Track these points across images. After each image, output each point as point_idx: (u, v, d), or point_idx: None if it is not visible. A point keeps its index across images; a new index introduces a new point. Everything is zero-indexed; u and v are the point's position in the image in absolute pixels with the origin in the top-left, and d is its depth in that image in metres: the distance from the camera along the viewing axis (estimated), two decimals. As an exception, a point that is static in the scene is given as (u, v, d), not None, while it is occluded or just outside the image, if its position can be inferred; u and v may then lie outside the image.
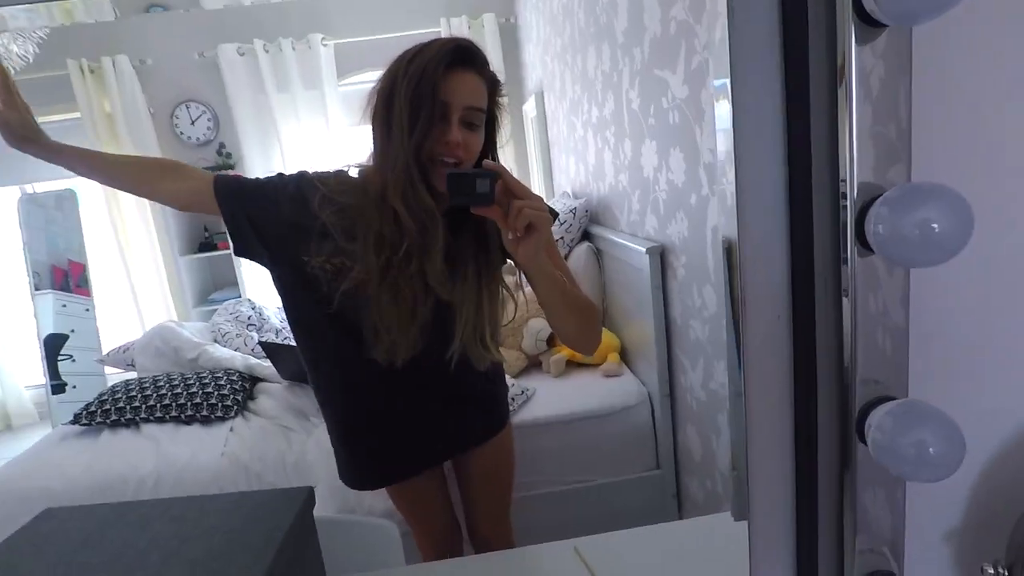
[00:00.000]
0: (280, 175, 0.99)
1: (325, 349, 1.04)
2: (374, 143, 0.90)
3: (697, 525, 1.00)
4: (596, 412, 1.73)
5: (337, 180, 0.95)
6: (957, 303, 0.37)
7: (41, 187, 3.76)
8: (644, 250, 1.52)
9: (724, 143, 0.36)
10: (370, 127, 0.90)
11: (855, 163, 0.32)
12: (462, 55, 0.86)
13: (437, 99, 0.84)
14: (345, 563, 0.89)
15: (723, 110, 0.35)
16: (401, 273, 0.89)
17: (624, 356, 1.99)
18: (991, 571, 0.40)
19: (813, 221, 0.36)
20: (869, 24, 0.30)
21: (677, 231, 1.41)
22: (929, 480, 0.31)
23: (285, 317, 2.59)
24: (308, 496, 0.81)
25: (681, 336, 1.48)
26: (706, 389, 1.37)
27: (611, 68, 1.75)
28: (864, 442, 0.34)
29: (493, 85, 0.92)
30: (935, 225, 0.28)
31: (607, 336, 1.99)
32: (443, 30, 3.66)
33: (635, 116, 1.59)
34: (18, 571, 0.69)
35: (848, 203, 0.32)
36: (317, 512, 0.85)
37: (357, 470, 1.15)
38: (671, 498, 1.70)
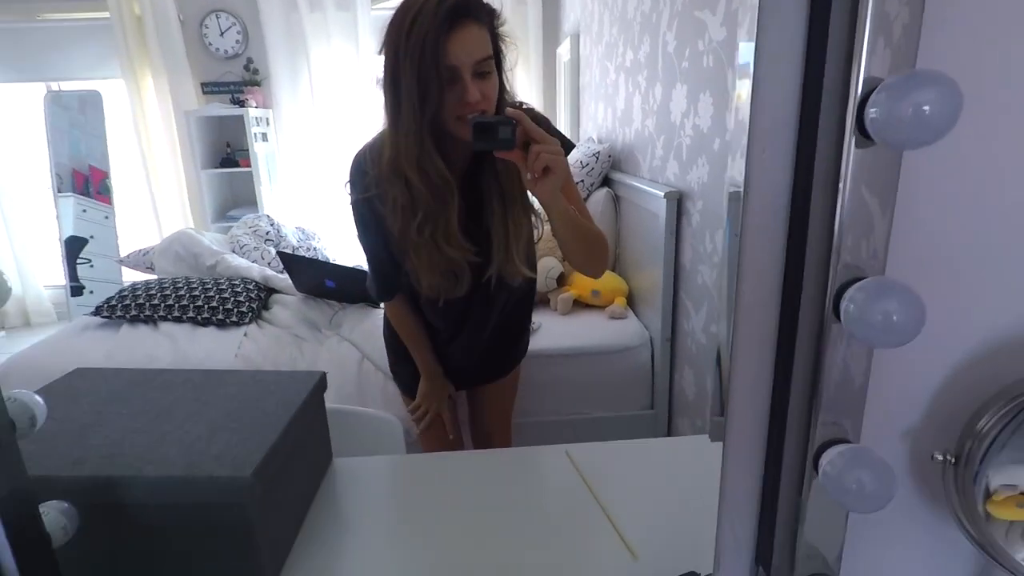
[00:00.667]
0: (351, 180, 1.04)
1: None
2: (385, 113, 0.93)
3: (679, 442, 1.05)
4: (597, 349, 1.78)
5: (380, 154, 0.97)
6: (944, 201, 0.39)
7: (67, 86, 3.78)
8: (662, 195, 1.54)
9: (746, 53, 0.39)
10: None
11: (864, 59, 0.34)
12: (458, 11, 0.85)
13: (445, 65, 0.85)
14: (351, 449, 0.95)
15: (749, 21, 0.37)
16: (418, 238, 0.96)
17: (631, 302, 2.02)
18: (939, 458, 0.44)
19: (819, 118, 0.39)
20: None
21: (697, 177, 1.42)
22: (893, 345, 0.35)
23: (305, 240, 2.63)
24: (321, 379, 0.86)
25: (689, 281, 1.51)
26: (707, 332, 1.41)
27: (651, 8, 1.72)
28: (839, 318, 0.37)
29: (491, 20, 0.92)
30: (926, 107, 0.30)
31: (616, 280, 2.03)
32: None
33: (669, 59, 1.58)
34: (53, 415, 0.75)
35: (852, 94, 0.34)
36: (327, 405, 0.91)
37: (401, 371, 1.33)
38: (662, 436, 1.76)
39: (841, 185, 0.36)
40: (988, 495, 0.44)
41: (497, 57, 0.93)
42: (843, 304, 0.36)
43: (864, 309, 0.34)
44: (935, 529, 0.51)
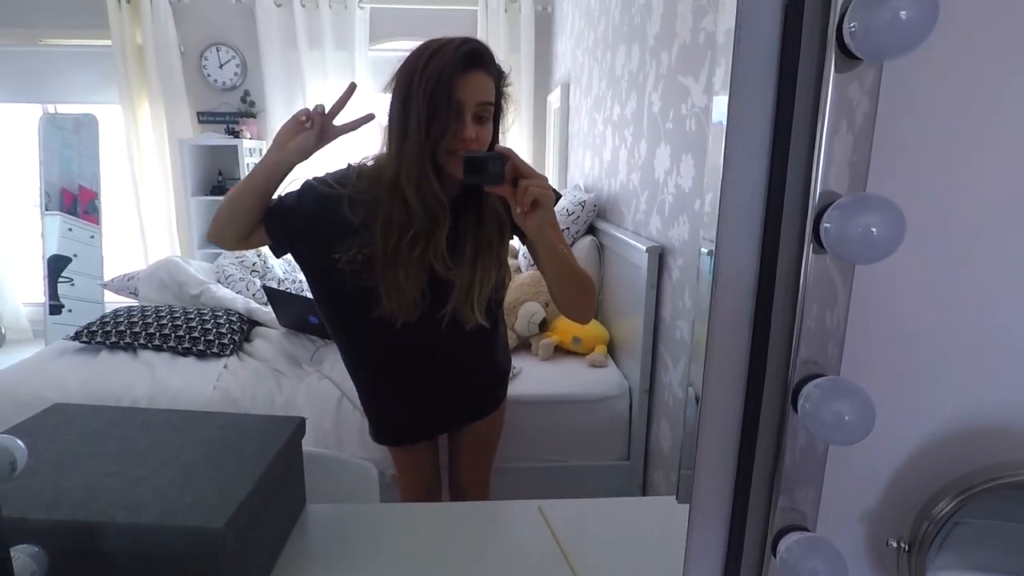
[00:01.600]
0: (293, 194, 1.09)
1: (347, 318, 1.17)
2: (390, 136, 1.01)
3: (654, 502, 1.06)
4: (576, 397, 1.79)
5: (358, 177, 1.06)
6: (895, 302, 0.43)
7: (64, 109, 3.80)
8: (644, 249, 1.58)
9: (713, 153, 0.42)
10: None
11: (819, 174, 0.37)
12: (474, 58, 0.96)
13: (453, 99, 0.94)
14: (325, 495, 0.95)
15: (719, 116, 0.41)
16: (408, 253, 1.00)
17: (611, 350, 2.05)
18: (894, 544, 0.46)
19: (781, 226, 0.42)
20: (848, 56, 0.35)
21: (678, 234, 1.47)
22: (844, 443, 0.37)
23: (291, 272, 2.63)
24: (300, 424, 0.87)
25: (667, 334, 1.54)
26: (683, 387, 1.43)
27: (638, 69, 1.80)
28: (796, 411, 0.40)
29: (499, 78, 1.02)
30: (874, 229, 0.33)
31: (597, 328, 2.05)
32: (480, 9, 3.69)
33: (654, 119, 1.64)
34: (30, 453, 0.75)
35: (810, 208, 0.38)
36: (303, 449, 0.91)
37: (374, 427, 1.31)
38: (636, 488, 1.77)
39: (800, 286, 0.39)
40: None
41: (497, 110, 1.02)
42: (800, 400, 0.39)
43: (818, 407, 0.37)
44: (890, 611, 0.52)
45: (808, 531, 0.43)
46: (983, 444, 0.46)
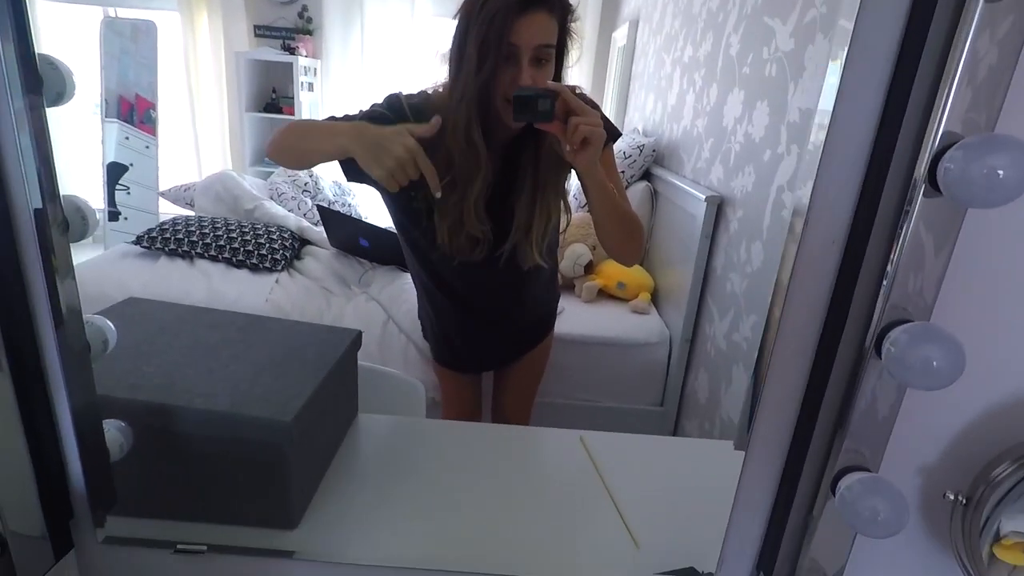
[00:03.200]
0: (374, 106, 1.03)
1: (414, 247, 1.18)
2: (449, 71, 0.97)
3: (692, 444, 1.08)
4: (616, 341, 1.80)
5: (423, 103, 1.02)
6: (1001, 256, 0.41)
7: (124, 13, 3.82)
8: (703, 198, 1.54)
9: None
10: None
11: (945, 113, 0.35)
12: None
13: (506, 42, 0.89)
14: (375, 406, 0.99)
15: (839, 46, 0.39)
16: (445, 198, 0.98)
17: (655, 298, 2.04)
18: (951, 497, 0.47)
19: (890, 164, 0.40)
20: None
21: (741, 185, 1.42)
22: (927, 388, 0.37)
23: (341, 195, 2.65)
24: (357, 336, 0.90)
25: (717, 286, 1.52)
26: (728, 340, 1.43)
27: (719, 7, 1.71)
28: (879, 355, 0.39)
29: (564, 14, 0.95)
30: (1001, 171, 0.32)
31: (642, 275, 2.04)
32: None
33: (730, 62, 1.57)
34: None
35: (928, 145, 0.36)
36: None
37: (432, 344, 1.35)
38: (667, 434, 1.79)
39: (902, 230, 0.38)
40: (997, 538, 0.46)
41: (560, 49, 0.96)
42: (885, 344, 0.38)
43: (905, 352, 0.36)
44: (935, 563, 0.53)
45: (871, 472, 0.43)
46: (1066, 409, 0.45)
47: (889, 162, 0.39)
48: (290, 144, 1.03)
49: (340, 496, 0.77)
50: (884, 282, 0.40)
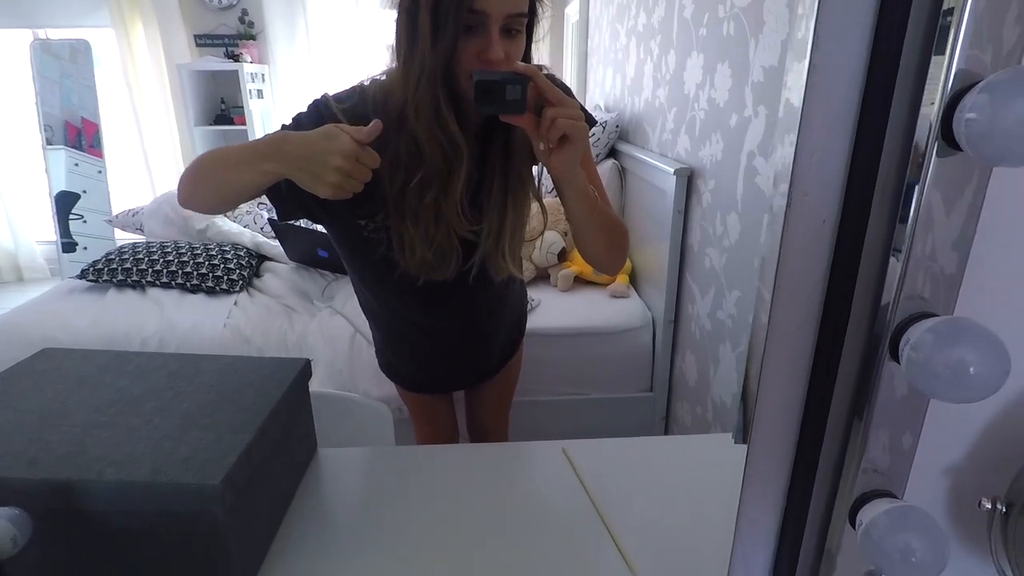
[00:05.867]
0: (298, 115, 0.87)
1: (369, 277, 1.01)
2: (396, 55, 0.80)
3: (681, 442, 1.00)
4: (597, 329, 1.73)
5: (361, 101, 0.83)
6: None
7: (55, 34, 3.63)
8: (672, 171, 1.46)
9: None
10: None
11: (959, 48, 0.27)
12: None
13: (471, 7, 0.72)
14: (337, 438, 0.91)
15: None
16: (417, 201, 0.82)
17: (634, 280, 1.96)
18: (989, 506, 0.39)
19: (889, 115, 0.32)
20: None
21: (710, 154, 1.34)
22: (962, 401, 0.29)
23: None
24: (304, 367, 0.81)
25: (696, 263, 1.45)
26: (712, 318, 1.35)
27: (666, -32, 1.62)
28: (897, 360, 0.32)
29: None
30: (1045, 117, 0.24)
31: (619, 257, 1.96)
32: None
33: (685, 25, 1.48)
34: (13, 403, 0.69)
35: (940, 90, 0.28)
36: (314, 388, 0.86)
37: (388, 368, 1.18)
38: (659, 420, 1.73)
39: (913, 202, 0.30)
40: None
41: (531, 20, 0.80)
42: (904, 346, 0.30)
43: (931, 356, 0.28)
44: (973, 576, 0.46)
45: (896, 498, 0.36)
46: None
47: (887, 118, 0.31)
48: (202, 185, 0.84)
49: (300, 547, 0.69)
50: (891, 269, 0.32)
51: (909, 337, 0.31)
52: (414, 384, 1.18)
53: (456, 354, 1.10)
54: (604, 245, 0.89)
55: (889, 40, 0.31)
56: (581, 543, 0.69)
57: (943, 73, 0.28)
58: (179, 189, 0.85)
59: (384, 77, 0.84)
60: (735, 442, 0.46)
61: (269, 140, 0.78)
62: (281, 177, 0.76)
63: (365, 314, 1.11)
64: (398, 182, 0.81)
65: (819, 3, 0.29)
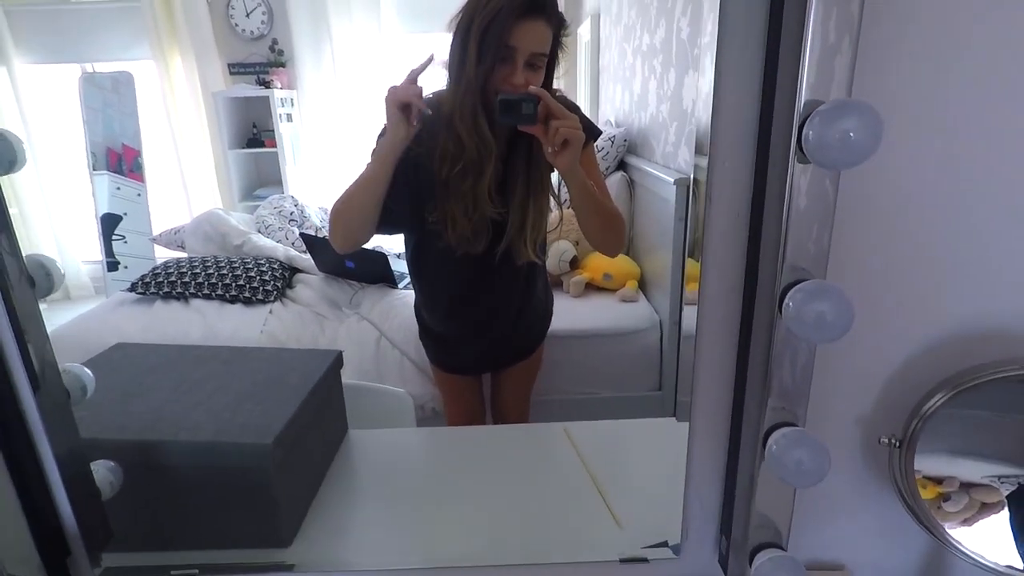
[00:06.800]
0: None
1: (419, 246, 1.24)
2: (449, 71, 1.05)
3: (671, 423, 1.10)
4: (607, 331, 1.83)
5: (433, 99, 1.07)
6: (890, 211, 0.44)
7: (101, 67, 3.88)
8: (673, 181, 1.57)
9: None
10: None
11: (804, 83, 0.38)
12: (534, 6, 0.98)
13: (505, 44, 0.97)
14: (365, 421, 1.02)
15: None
16: (459, 185, 1.06)
17: (643, 285, 2.06)
18: (885, 441, 0.49)
19: (771, 140, 0.43)
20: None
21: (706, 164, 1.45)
22: (824, 341, 0.39)
23: (323, 216, 2.69)
24: (337, 357, 0.93)
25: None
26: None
27: (666, -7, 1.74)
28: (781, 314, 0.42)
29: (559, 27, 1.03)
30: (852, 133, 0.34)
31: (628, 264, 2.06)
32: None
33: (683, 46, 1.60)
34: (99, 384, 0.83)
35: (796, 115, 0.39)
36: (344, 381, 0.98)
37: (429, 347, 1.43)
38: (669, 417, 1.81)
39: (786, 197, 0.41)
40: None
41: (551, 59, 1.05)
42: (784, 303, 0.41)
43: (800, 308, 0.39)
44: (884, 509, 0.56)
45: (796, 426, 0.46)
46: (974, 347, 0.48)
47: (770, 135, 0.42)
48: (343, 215, 1.11)
49: (335, 509, 0.80)
50: (780, 246, 0.42)
51: (788, 296, 0.41)
52: (443, 357, 1.40)
53: (482, 327, 1.32)
54: (600, 227, 1.14)
55: (772, 81, 0.42)
56: (577, 505, 0.80)
57: (799, 102, 0.39)
58: (332, 240, 1.15)
59: (443, 90, 1.10)
60: (677, 420, 0.57)
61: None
62: (386, 157, 1.04)
63: (415, 288, 1.36)
64: (445, 170, 1.06)
65: (716, 65, 0.40)
